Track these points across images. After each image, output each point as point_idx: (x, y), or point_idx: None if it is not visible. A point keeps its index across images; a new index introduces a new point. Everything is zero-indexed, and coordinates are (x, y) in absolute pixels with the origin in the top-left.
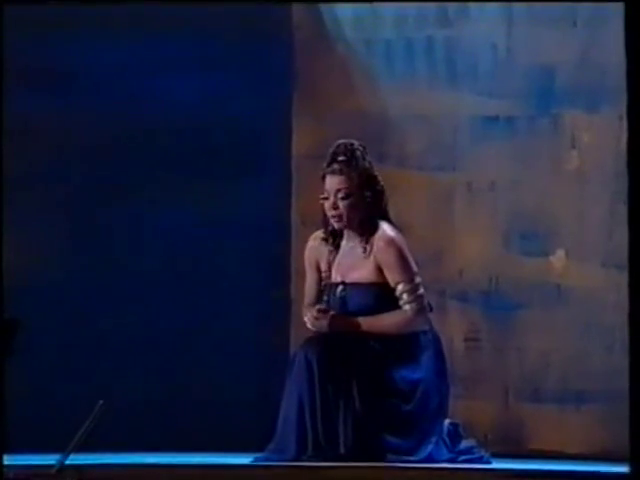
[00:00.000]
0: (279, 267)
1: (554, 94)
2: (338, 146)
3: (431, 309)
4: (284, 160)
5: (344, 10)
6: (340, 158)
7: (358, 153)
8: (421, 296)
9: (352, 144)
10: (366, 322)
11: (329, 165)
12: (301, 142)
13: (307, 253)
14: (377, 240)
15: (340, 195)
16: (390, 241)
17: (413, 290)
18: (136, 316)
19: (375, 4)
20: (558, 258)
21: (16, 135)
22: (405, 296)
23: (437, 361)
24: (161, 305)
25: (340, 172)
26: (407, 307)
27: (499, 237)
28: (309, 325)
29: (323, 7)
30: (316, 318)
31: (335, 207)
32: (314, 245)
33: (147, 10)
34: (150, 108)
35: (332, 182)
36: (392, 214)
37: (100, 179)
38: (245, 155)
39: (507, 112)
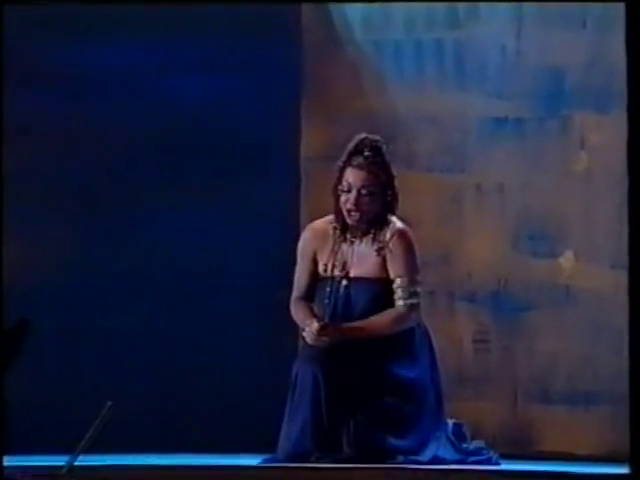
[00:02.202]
0: (289, 268)
1: (563, 95)
2: (362, 140)
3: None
4: (293, 162)
5: (353, 12)
6: (367, 153)
7: (384, 150)
8: (417, 294)
9: (377, 140)
10: (363, 326)
11: (352, 158)
12: (310, 144)
13: (302, 244)
14: (388, 231)
15: (364, 191)
16: (402, 233)
17: (412, 287)
18: (143, 317)
19: (384, 5)
20: (567, 259)
21: (26, 136)
22: (401, 292)
23: (430, 355)
24: (168, 306)
25: (368, 168)
26: (401, 302)
27: (508, 238)
28: (309, 340)
29: (332, 9)
30: (319, 335)
31: (357, 202)
32: (311, 236)
33: (155, 12)
34: (158, 110)
35: (357, 176)
36: (401, 215)
37: (106, 181)
38: (254, 157)
39: (516, 113)
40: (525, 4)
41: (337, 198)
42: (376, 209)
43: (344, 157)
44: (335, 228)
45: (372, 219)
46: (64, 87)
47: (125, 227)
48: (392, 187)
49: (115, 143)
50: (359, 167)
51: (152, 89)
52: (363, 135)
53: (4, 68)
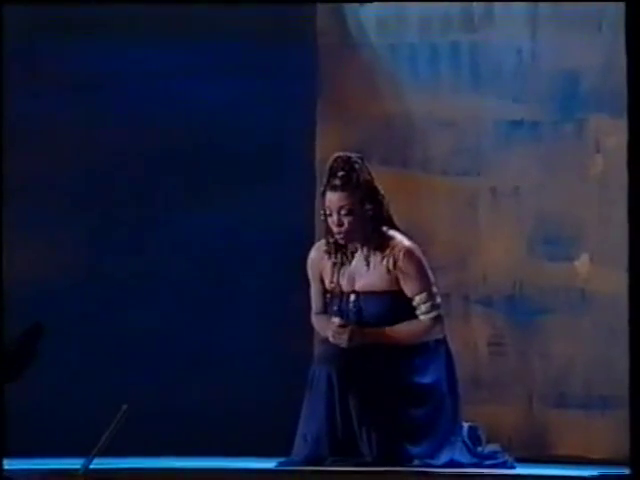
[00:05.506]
0: (303, 271)
1: (579, 98)
2: (336, 160)
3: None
4: (308, 165)
5: (368, 14)
6: (340, 173)
7: (357, 166)
8: (438, 306)
9: (350, 157)
10: (384, 333)
11: (329, 180)
12: (325, 147)
13: (309, 265)
14: (396, 251)
15: (343, 212)
16: (410, 252)
17: (431, 301)
18: (157, 320)
19: (399, 8)
20: (582, 263)
21: (40, 137)
22: (423, 307)
23: (448, 361)
24: (182, 309)
25: (342, 188)
26: (423, 317)
27: (523, 242)
28: (330, 339)
29: (347, 11)
30: (338, 333)
31: (340, 224)
32: (316, 257)
33: (171, 15)
34: (174, 112)
35: (334, 199)
36: (416, 219)
37: (122, 183)
38: (269, 160)
39: (531, 117)
40: (540, 6)
41: (325, 220)
42: (361, 225)
43: (324, 181)
44: (328, 252)
45: (365, 236)
46: (80, 88)
47: (140, 230)
48: (371, 200)
49: (131, 145)
50: (334, 189)
51: (168, 92)
52: (336, 154)
53: (4, 68)
